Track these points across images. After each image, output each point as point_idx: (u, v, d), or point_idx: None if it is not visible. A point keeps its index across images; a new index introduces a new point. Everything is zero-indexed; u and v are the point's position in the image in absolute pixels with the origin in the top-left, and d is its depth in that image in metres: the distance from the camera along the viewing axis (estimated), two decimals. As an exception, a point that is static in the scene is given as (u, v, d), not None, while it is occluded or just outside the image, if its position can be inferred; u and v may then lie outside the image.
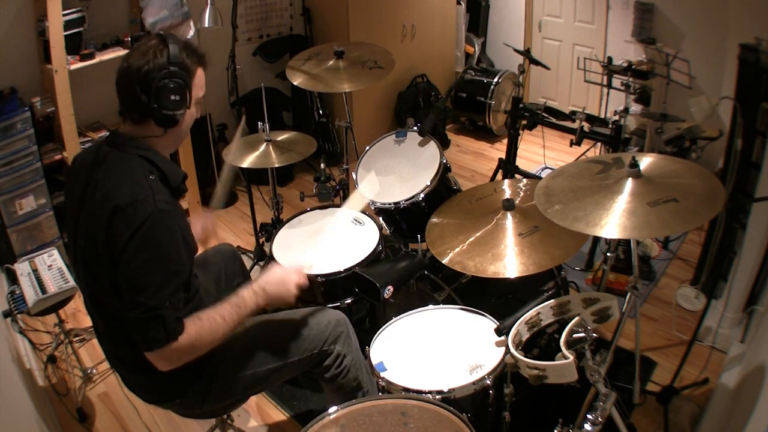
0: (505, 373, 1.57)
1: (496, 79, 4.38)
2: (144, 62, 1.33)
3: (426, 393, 1.49)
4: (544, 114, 3.00)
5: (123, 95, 1.38)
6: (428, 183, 2.16)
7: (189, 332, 1.33)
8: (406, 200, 2.15)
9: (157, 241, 1.29)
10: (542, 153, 3.85)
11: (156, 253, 1.29)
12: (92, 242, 1.34)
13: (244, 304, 1.46)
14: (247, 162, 2.38)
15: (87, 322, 2.75)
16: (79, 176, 1.44)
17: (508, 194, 2.03)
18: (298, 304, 2.13)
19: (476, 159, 4.41)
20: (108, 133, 1.48)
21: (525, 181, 2.12)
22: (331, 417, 1.33)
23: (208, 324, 1.38)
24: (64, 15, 2.80)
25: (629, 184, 1.41)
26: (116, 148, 1.40)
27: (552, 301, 1.57)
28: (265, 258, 2.87)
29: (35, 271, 2.27)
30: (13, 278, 2.29)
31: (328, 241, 2.25)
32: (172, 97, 1.35)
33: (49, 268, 2.28)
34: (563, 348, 1.33)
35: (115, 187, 1.31)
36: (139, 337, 1.31)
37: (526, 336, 1.54)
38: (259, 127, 2.50)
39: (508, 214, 1.82)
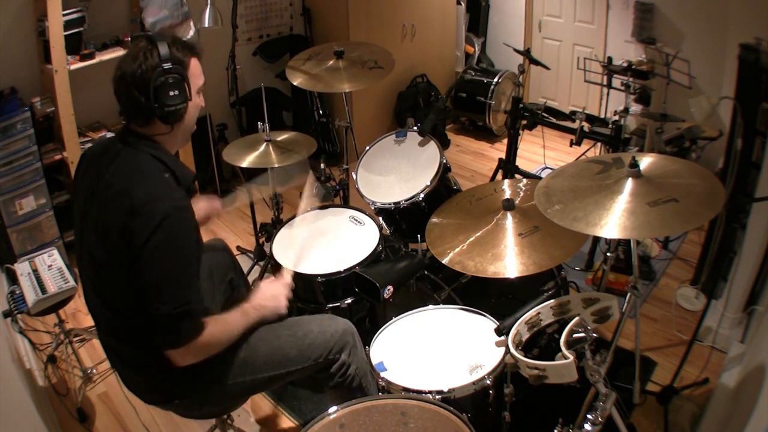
0: (505, 373, 1.57)
1: (496, 79, 4.38)
2: (137, 66, 1.35)
3: (426, 393, 1.49)
4: (544, 114, 3.00)
5: (124, 101, 1.40)
6: (428, 183, 2.16)
7: (211, 329, 1.39)
8: (406, 200, 2.15)
9: (175, 237, 1.31)
10: (542, 153, 3.85)
11: (177, 250, 1.32)
12: (105, 241, 1.34)
13: (248, 315, 1.55)
14: (247, 162, 2.38)
15: (87, 322, 2.75)
16: (89, 171, 1.44)
17: (508, 194, 2.03)
18: (296, 305, 2.14)
19: (476, 159, 4.41)
20: (119, 130, 1.49)
21: (525, 181, 2.12)
22: (331, 417, 1.33)
23: (223, 325, 1.46)
24: (64, 15, 2.80)
25: (629, 184, 1.41)
26: (129, 146, 1.41)
27: (552, 301, 1.57)
28: (265, 258, 2.87)
29: (35, 271, 2.27)
30: (13, 278, 2.29)
31: (328, 241, 2.25)
32: (171, 93, 1.36)
33: (49, 268, 2.28)
34: (563, 348, 1.33)
35: (131, 186, 1.33)
36: (166, 334, 1.34)
37: (526, 336, 1.54)
38: (259, 127, 2.50)
39: (508, 214, 1.82)
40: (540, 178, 2.13)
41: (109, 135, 3.07)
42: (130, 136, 1.42)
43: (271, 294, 1.63)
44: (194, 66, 1.45)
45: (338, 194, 2.64)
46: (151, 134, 1.42)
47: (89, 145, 2.99)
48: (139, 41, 1.39)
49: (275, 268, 2.18)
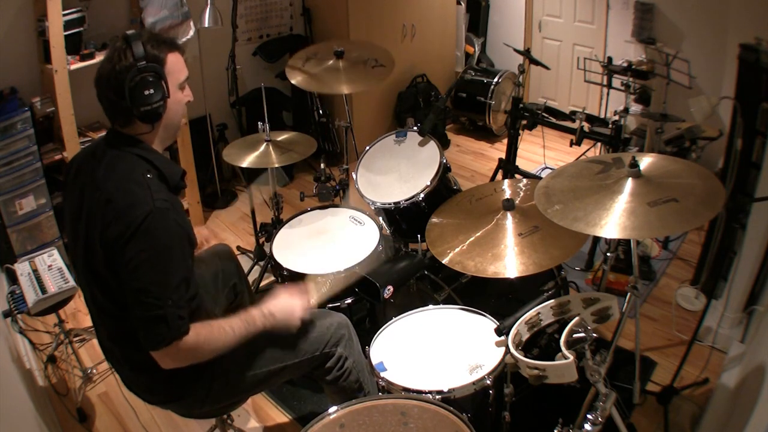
0: (505, 373, 1.57)
1: (496, 79, 4.38)
2: (111, 67, 1.35)
3: (426, 393, 1.49)
4: (544, 114, 3.00)
5: (103, 103, 1.40)
6: (428, 183, 2.16)
7: (197, 334, 1.35)
8: (406, 200, 2.15)
9: (155, 240, 1.30)
10: (542, 153, 3.85)
11: (155, 252, 1.30)
12: (93, 243, 1.34)
13: (253, 323, 1.49)
14: (247, 162, 2.38)
15: (87, 322, 2.75)
16: (78, 177, 1.44)
17: (508, 194, 2.03)
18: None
19: (476, 159, 4.41)
20: (106, 133, 1.49)
21: (525, 181, 2.12)
22: (331, 417, 1.33)
23: (217, 331, 1.41)
24: (64, 15, 2.80)
25: (629, 184, 1.41)
26: (114, 148, 1.41)
27: (552, 301, 1.57)
28: (265, 258, 2.87)
29: (35, 271, 2.27)
30: (13, 278, 2.29)
31: (328, 241, 2.25)
32: (146, 92, 1.35)
33: (49, 268, 2.28)
34: (563, 348, 1.33)
35: (114, 189, 1.32)
36: (143, 335, 1.32)
37: (526, 336, 1.54)
38: (259, 127, 2.50)
39: (508, 214, 1.82)
40: (540, 178, 2.13)
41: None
42: (115, 138, 1.42)
43: (288, 305, 1.55)
44: (173, 61, 1.42)
45: (338, 194, 2.63)
46: (134, 134, 1.42)
47: (87, 144, 2.99)
48: (115, 42, 1.39)
49: (275, 268, 2.17)
